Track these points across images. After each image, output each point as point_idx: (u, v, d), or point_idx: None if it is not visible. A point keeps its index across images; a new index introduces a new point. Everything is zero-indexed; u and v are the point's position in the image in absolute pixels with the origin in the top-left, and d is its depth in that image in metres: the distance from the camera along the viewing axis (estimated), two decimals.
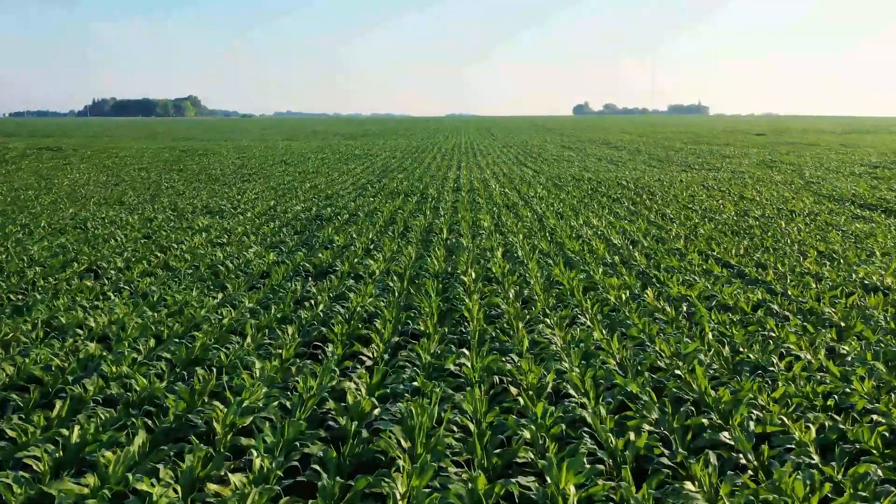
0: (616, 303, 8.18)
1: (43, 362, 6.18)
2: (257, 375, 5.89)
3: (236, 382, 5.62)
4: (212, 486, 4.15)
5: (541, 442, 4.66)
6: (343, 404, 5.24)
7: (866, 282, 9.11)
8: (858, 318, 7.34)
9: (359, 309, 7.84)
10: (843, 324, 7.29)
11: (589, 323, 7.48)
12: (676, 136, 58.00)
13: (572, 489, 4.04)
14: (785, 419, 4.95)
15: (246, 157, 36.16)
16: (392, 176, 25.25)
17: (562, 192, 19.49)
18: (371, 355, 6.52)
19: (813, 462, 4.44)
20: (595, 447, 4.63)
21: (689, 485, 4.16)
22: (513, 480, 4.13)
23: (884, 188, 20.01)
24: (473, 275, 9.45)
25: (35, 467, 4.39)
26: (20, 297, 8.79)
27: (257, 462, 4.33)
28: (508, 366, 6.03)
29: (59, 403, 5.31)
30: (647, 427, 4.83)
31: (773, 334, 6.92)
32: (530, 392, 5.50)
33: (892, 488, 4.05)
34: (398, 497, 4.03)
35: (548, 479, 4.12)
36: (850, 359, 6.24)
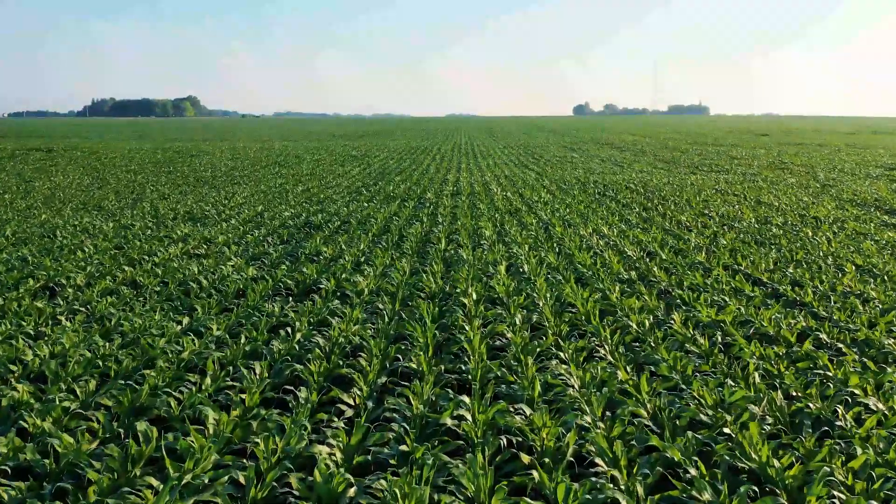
0: (639, 331, 7.10)
1: None
2: (210, 433, 4.81)
3: (181, 445, 4.53)
4: None
5: None
6: (311, 479, 4.16)
7: None
8: None
9: (341, 339, 6.76)
10: None
11: (610, 357, 6.40)
12: (681, 137, 56.91)
13: None
14: None
15: (239, 158, 35.07)
16: (389, 178, 24.16)
17: (567, 197, 18.40)
18: (352, 402, 5.44)
19: None
20: None
21: None
22: None
23: None
24: (475, 295, 8.36)
25: None
26: None
27: None
28: (518, 419, 4.95)
29: None
30: None
31: (830, 373, 5.84)
32: (546, 459, 4.42)
33: None
34: None
35: None
36: None
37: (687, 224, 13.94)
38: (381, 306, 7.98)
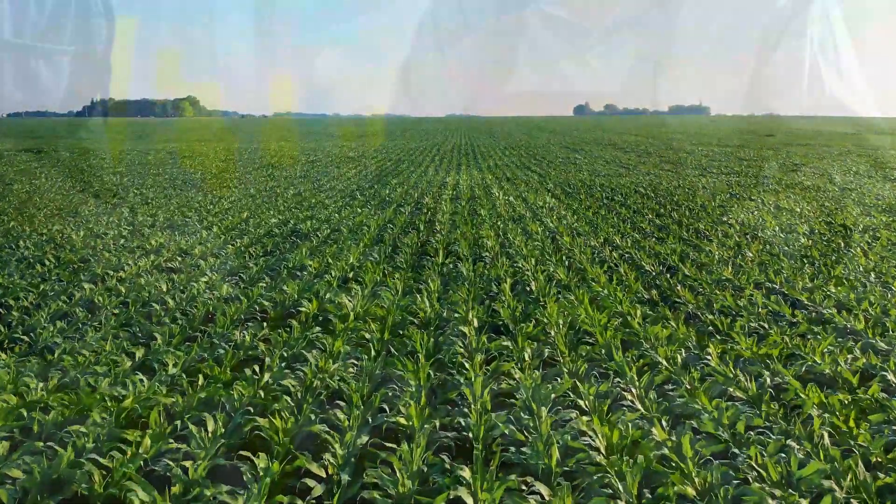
0: (670, 369, 6.01)
1: None
2: None
3: None
4: None
5: None
6: None
7: None
8: None
9: (316, 383, 5.67)
10: None
11: (639, 405, 5.31)
12: (684, 138, 55.76)
13: None
14: None
15: (233, 159, 33.99)
16: (385, 181, 23.07)
17: (573, 202, 17.30)
18: (323, 473, 4.34)
19: None
20: None
21: None
22: None
23: None
24: (476, 322, 7.27)
25: None
26: None
27: None
28: (532, 502, 3.87)
29: None
30: None
31: None
32: None
33: None
34: None
35: None
36: None
37: (706, 233, 12.84)
38: (367, 336, 6.89)
